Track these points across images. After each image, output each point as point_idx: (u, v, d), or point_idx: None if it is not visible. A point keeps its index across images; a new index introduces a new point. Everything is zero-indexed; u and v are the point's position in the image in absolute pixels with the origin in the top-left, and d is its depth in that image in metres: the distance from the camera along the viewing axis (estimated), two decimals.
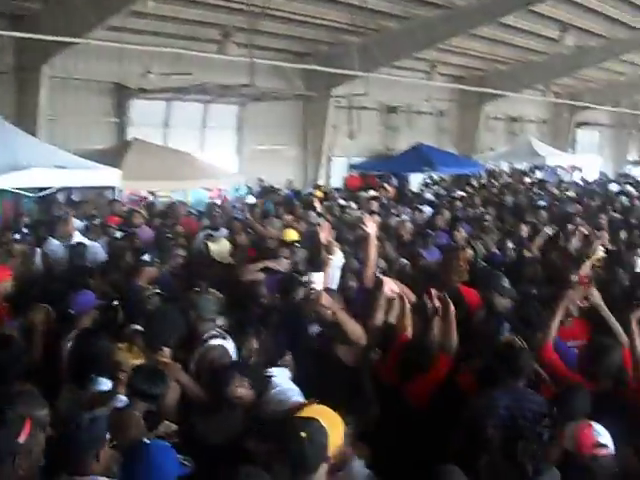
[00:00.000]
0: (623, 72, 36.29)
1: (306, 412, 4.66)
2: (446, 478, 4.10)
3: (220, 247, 11.62)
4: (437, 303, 6.74)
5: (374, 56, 24.62)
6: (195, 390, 6.27)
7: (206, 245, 11.61)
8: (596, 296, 6.85)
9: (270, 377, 6.02)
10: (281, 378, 6.16)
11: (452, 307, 6.75)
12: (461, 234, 12.48)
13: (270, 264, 9.78)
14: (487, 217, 15.61)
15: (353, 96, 27.60)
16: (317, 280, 7.01)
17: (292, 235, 11.70)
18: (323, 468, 4.22)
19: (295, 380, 6.30)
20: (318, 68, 24.16)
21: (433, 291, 6.98)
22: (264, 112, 25.98)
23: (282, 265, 10.06)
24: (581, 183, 31.41)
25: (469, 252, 10.42)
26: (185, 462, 4.26)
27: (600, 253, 10.36)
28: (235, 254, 11.19)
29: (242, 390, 5.64)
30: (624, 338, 6.40)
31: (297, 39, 24.38)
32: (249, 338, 6.52)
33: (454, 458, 5.74)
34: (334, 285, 8.16)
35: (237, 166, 25.68)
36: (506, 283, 8.36)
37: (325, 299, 6.80)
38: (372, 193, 22.62)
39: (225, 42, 20.41)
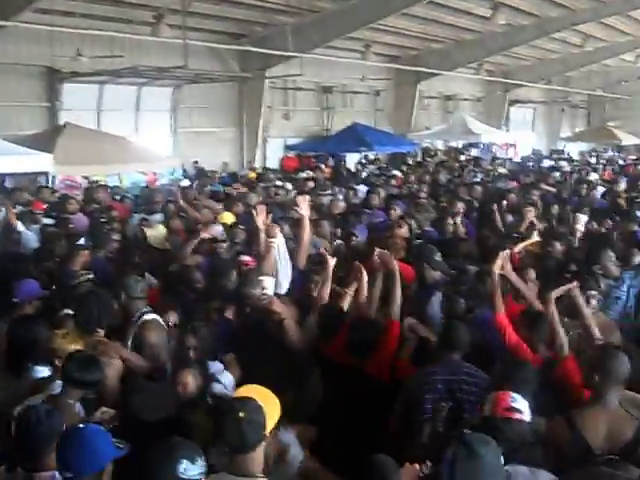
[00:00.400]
0: (554, 50, 36.73)
1: (243, 392, 4.69)
2: (379, 469, 4.14)
3: (156, 232, 11.53)
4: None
5: (309, 36, 24.62)
6: (139, 362, 6.35)
7: (142, 230, 11.49)
8: (508, 270, 6.91)
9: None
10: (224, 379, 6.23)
11: (395, 266, 6.91)
12: (396, 212, 12.54)
13: (203, 234, 9.70)
14: (422, 195, 15.72)
15: (288, 77, 27.56)
16: (268, 285, 7.04)
17: (228, 218, 11.67)
18: (261, 447, 4.24)
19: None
20: (252, 49, 24.09)
21: (376, 250, 7.14)
22: (199, 94, 25.83)
23: (215, 232, 10.15)
24: (515, 160, 31.79)
25: (403, 230, 10.53)
26: (119, 445, 4.24)
27: (535, 237, 10.49)
28: (170, 239, 11.11)
29: (190, 378, 5.66)
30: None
31: (231, 20, 24.17)
32: (188, 335, 6.47)
33: (395, 433, 5.89)
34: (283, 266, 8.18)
35: (172, 149, 25.48)
36: (438, 256, 8.48)
37: (276, 305, 6.89)
38: (308, 173, 22.65)
39: (158, 24, 20.20)
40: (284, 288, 7.98)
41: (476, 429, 4.28)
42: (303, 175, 21.87)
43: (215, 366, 6.27)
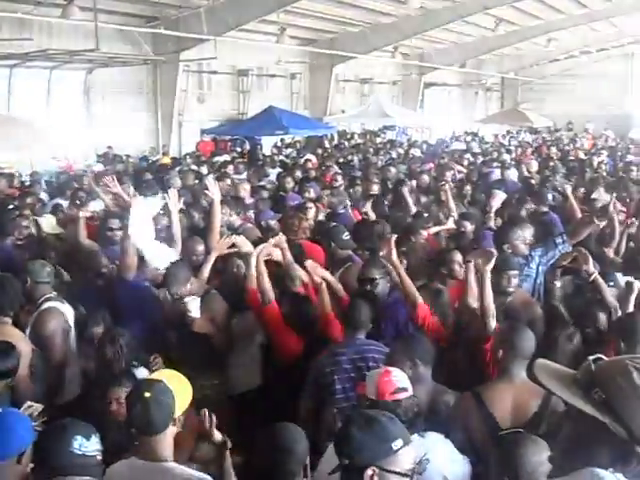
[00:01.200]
0: (469, 33, 37.17)
1: (154, 376, 4.67)
2: (283, 434, 4.14)
3: (48, 221, 11.34)
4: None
5: (223, 19, 24.44)
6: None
7: (35, 221, 11.20)
8: (390, 257, 6.95)
9: None
10: None
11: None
12: (310, 195, 12.58)
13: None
14: (338, 177, 15.78)
15: (203, 60, 27.33)
16: (193, 307, 6.97)
17: None
18: (170, 429, 4.22)
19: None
20: (166, 32, 23.83)
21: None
22: (112, 78, 25.48)
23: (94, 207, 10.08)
24: (430, 142, 32.15)
25: (312, 211, 10.63)
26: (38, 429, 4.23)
27: (450, 223, 10.64)
28: (66, 225, 10.89)
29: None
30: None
31: (144, 2, 23.88)
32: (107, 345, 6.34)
33: (305, 414, 5.91)
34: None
35: (85, 134, 25.04)
36: (345, 236, 8.55)
37: (200, 326, 6.88)
38: (225, 157, 22.54)
39: (69, 6, 19.76)
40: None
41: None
42: (219, 159, 21.69)
43: (140, 372, 6.17)
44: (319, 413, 5.79)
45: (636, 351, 5.45)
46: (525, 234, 8.14)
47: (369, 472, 3.23)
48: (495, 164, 19.43)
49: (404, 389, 4.63)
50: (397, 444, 3.28)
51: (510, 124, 41.61)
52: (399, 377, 4.70)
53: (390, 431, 3.34)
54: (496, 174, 17.36)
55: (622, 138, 36.35)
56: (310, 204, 10.91)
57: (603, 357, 2.22)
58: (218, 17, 24.08)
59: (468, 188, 13.99)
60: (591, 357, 2.20)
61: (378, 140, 32.18)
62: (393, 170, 17.10)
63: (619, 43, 42.57)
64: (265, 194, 13.22)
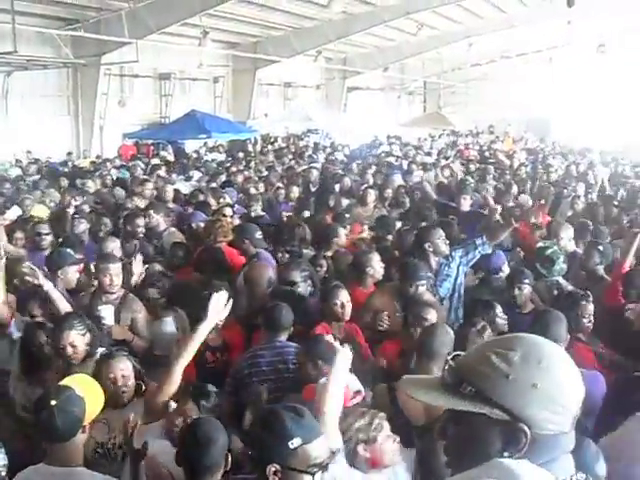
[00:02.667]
0: (391, 38, 37.45)
1: (65, 381, 4.60)
2: (203, 428, 4.16)
3: None
4: None
5: (144, 22, 24.23)
6: None
7: None
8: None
9: None
10: None
11: None
12: (226, 199, 12.65)
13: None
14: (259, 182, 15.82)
15: (124, 63, 27.07)
16: (107, 315, 6.89)
17: (40, 212, 11.36)
18: (78, 437, 4.18)
19: None
20: (86, 35, 23.53)
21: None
22: (31, 81, 25.11)
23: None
24: (352, 146, 32.31)
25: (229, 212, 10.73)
26: None
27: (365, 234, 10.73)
28: None
29: None
30: None
31: (64, 4, 23.47)
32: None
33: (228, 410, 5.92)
34: None
35: (3, 138, 24.57)
36: (258, 235, 8.62)
37: (117, 333, 6.84)
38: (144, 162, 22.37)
39: None
40: None
41: None
42: (139, 163, 21.45)
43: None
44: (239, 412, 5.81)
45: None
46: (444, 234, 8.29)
47: (271, 469, 3.35)
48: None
49: (359, 391, 4.71)
50: (294, 443, 3.37)
51: (432, 127, 42.08)
52: (353, 381, 4.77)
53: (289, 430, 3.40)
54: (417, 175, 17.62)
55: (542, 141, 37.09)
56: (228, 208, 10.95)
57: (460, 353, 2.26)
58: (140, 20, 23.87)
59: (389, 191, 14.10)
60: (449, 356, 2.24)
61: (302, 144, 32.23)
62: (315, 173, 17.21)
63: (538, 48, 43.31)
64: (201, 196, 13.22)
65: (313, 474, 3.37)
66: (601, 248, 8.66)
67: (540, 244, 8.99)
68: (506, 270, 8.44)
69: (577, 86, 43.58)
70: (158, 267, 8.27)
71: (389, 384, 5.22)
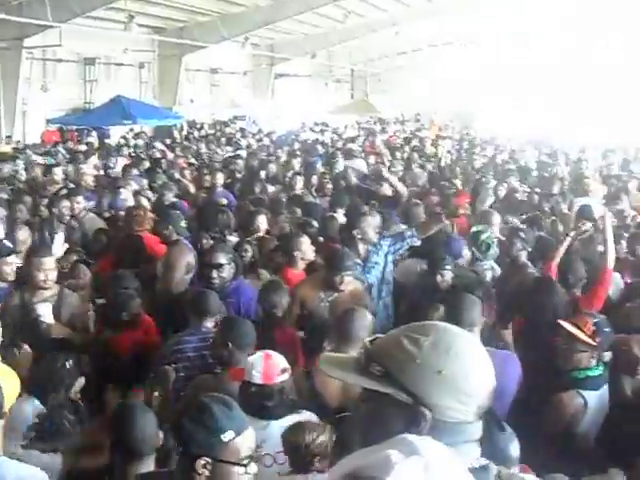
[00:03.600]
0: (319, 25, 37.51)
1: None
2: (127, 414, 4.15)
3: None
4: None
5: (68, 5, 23.89)
6: None
7: None
8: None
9: None
10: None
11: None
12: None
13: None
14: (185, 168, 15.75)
15: (47, 47, 26.59)
16: (45, 313, 6.77)
17: None
18: None
19: None
20: (7, 17, 23.06)
21: None
22: None
23: None
24: (280, 133, 32.30)
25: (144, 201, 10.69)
26: None
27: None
28: None
29: None
30: None
31: None
32: None
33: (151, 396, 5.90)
34: None
35: None
36: (182, 223, 8.64)
37: (57, 331, 6.68)
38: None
39: None
40: None
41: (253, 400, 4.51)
42: (61, 149, 21.14)
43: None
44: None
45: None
46: (375, 222, 8.39)
47: (201, 462, 3.32)
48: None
49: (286, 369, 4.74)
50: (227, 436, 3.36)
51: (359, 114, 42.28)
52: (279, 359, 4.80)
53: (221, 423, 3.39)
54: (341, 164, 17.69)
55: (466, 129, 37.56)
56: (144, 197, 10.89)
57: (379, 336, 2.29)
58: (63, 3, 23.54)
59: (315, 178, 14.15)
60: (368, 338, 2.28)
61: (228, 130, 32.10)
62: (240, 161, 17.20)
63: (464, 37, 43.76)
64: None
65: (245, 465, 3.38)
66: (522, 235, 8.84)
67: (475, 228, 9.12)
68: (467, 255, 8.59)
69: (502, 75, 44.17)
70: (74, 257, 8.18)
71: (305, 369, 5.28)
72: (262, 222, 9.51)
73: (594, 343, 5.45)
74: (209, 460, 3.33)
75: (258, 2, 29.91)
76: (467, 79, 45.24)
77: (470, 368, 2.14)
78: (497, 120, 38.59)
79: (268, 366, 4.69)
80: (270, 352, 4.86)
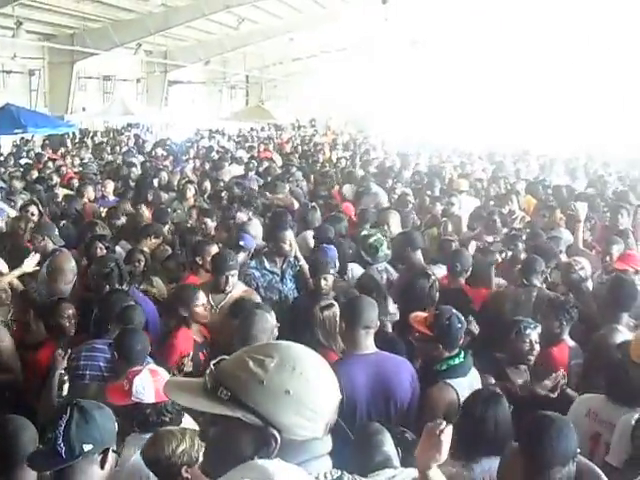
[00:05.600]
0: (212, 31, 37.38)
1: None
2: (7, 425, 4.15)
3: None
4: None
5: None
6: None
7: None
8: None
9: None
10: None
11: None
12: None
13: None
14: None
15: None
16: None
17: None
18: None
19: None
20: None
21: None
22: None
23: None
24: (175, 139, 32.18)
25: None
26: None
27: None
28: None
29: None
30: None
31: None
32: None
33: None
34: None
35: None
36: (56, 232, 8.98)
37: None
38: None
39: None
40: None
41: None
42: None
43: None
44: None
45: None
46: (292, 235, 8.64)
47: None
48: None
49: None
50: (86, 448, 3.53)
51: (255, 121, 42.32)
52: (164, 373, 4.86)
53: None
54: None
55: (361, 134, 38.06)
56: (33, 207, 10.78)
57: (225, 357, 2.33)
58: None
59: (207, 184, 14.20)
60: (213, 361, 2.31)
61: (122, 138, 31.74)
62: (135, 169, 17.15)
63: (357, 44, 44.18)
64: None
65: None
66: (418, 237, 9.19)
67: (364, 232, 9.32)
68: None
69: (395, 81, 44.77)
70: None
71: None
72: (160, 231, 9.62)
73: (431, 334, 5.68)
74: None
75: (150, 9, 29.65)
76: (360, 85, 45.70)
77: (315, 386, 2.20)
78: (389, 126, 39.17)
79: (158, 384, 4.67)
80: (154, 367, 4.90)
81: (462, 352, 5.70)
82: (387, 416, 5.30)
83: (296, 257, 8.35)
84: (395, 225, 10.23)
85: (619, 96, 37.66)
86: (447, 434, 3.51)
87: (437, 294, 7.36)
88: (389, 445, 4.36)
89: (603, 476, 4.36)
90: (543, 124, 34.20)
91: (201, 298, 6.68)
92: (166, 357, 6.15)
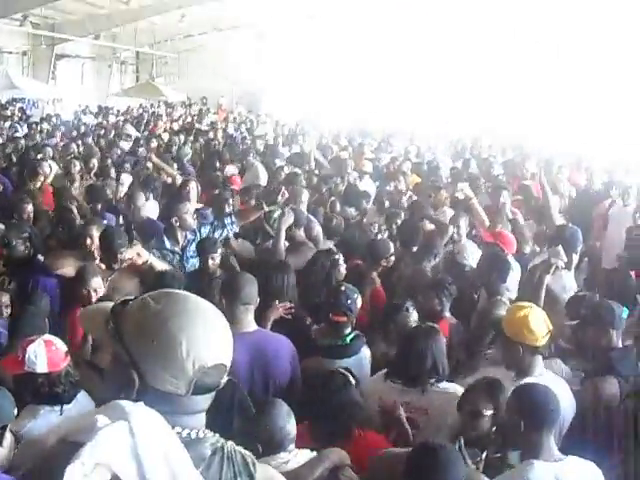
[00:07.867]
0: (102, 5, 36.61)
1: None
2: None
3: None
4: None
5: None
6: None
7: None
8: None
9: None
10: None
11: None
12: None
13: None
14: None
15: None
16: None
17: None
18: None
19: None
20: None
21: None
22: None
23: None
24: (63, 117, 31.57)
25: None
26: None
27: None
28: None
29: None
30: None
31: None
32: None
33: None
34: None
35: None
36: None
37: None
38: None
39: None
40: None
41: None
42: None
43: None
44: None
45: None
46: (191, 208, 8.57)
47: None
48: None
49: (67, 352, 4.73)
50: None
51: (145, 98, 41.73)
52: (60, 344, 4.79)
53: None
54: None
55: (251, 112, 38.04)
56: None
57: (129, 298, 2.38)
58: None
59: (95, 161, 14.03)
60: (122, 298, 2.39)
61: (7, 112, 30.86)
62: (22, 143, 16.86)
63: (249, 20, 43.87)
64: None
65: None
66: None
67: (267, 209, 9.48)
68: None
69: (287, 59, 44.57)
70: None
71: None
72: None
73: None
74: None
75: None
76: (252, 63, 45.42)
77: (184, 347, 2.18)
78: (281, 104, 39.12)
79: (52, 353, 4.64)
80: (49, 337, 4.82)
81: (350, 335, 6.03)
82: (265, 395, 5.32)
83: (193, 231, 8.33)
84: (305, 202, 10.39)
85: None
86: None
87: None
88: (291, 425, 4.32)
89: None
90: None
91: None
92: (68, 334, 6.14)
